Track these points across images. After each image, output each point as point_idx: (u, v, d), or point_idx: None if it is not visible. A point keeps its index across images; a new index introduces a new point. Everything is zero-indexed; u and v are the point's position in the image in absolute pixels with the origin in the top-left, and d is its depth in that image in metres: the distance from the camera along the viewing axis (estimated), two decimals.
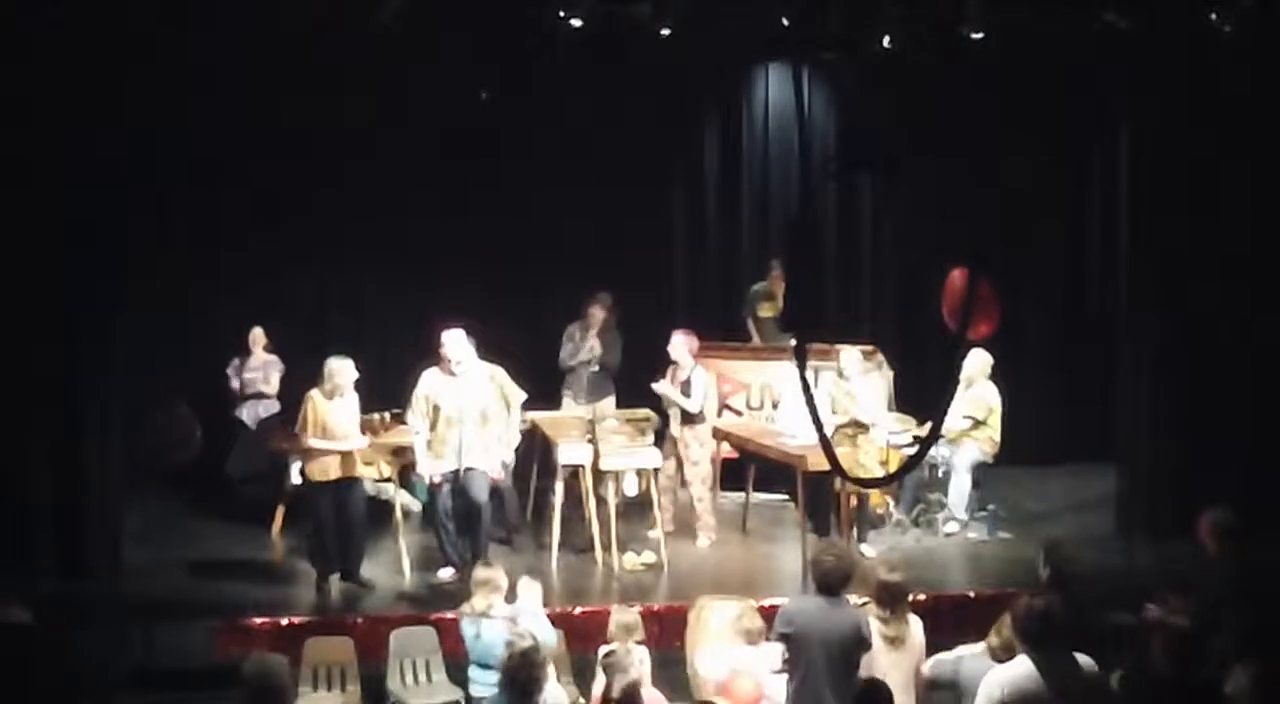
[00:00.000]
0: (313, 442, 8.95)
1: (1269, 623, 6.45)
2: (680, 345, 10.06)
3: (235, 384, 11.01)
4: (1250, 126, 9.90)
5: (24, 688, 5.93)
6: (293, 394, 10.72)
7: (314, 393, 8.99)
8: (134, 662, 7.98)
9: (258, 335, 11.01)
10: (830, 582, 6.38)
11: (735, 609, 7.45)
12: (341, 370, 8.98)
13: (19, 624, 6.14)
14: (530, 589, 7.49)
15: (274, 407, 11.02)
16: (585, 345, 10.78)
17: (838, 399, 9.88)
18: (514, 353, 10.12)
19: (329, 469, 8.98)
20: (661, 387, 10.11)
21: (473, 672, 7.28)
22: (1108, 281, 11.72)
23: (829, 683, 6.22)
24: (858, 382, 9.94)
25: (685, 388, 10.01)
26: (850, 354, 10.10)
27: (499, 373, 9.37)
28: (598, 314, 10.91)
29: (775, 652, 6.55)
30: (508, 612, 7.26)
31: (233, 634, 8.32)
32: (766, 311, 11.89)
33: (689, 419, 10.05)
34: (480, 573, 7.49)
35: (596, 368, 10.89)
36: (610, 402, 10.72)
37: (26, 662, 6.03)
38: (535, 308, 11.77)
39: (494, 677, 7.02)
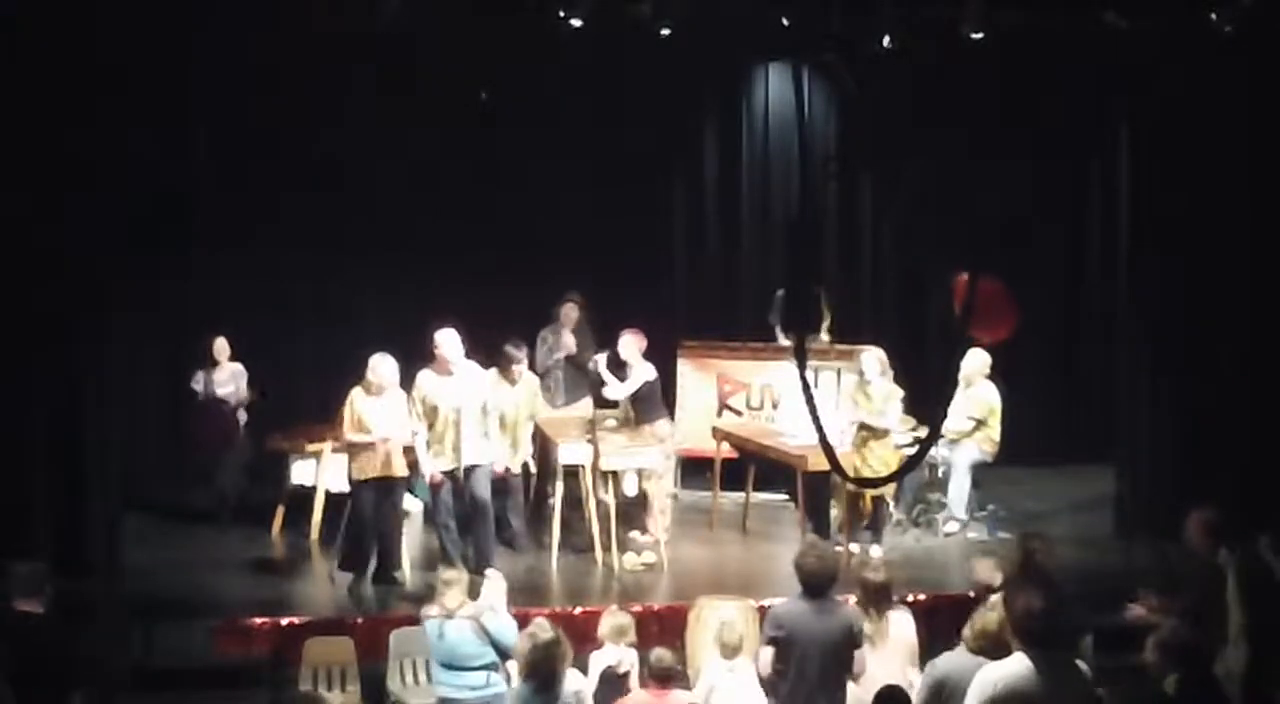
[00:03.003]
0: (349, 436, 8.96)
1: (1259, 621, 6.46)
2: (629, 344, 10.07)
3: (203, 397, 10.56)
4: (1250, 126, 9.90)
5: (34, 676, 5.99)
6: (285, 395, 10.81)
7: (355, 390, 8.99)
8: (134, 661, 7.98)
9: (222, 346, 10.53)
10: (816, 582, 6.39)
11: (730, 612, 7.44)
12: (379, 366, 8.96)
13: (33, 613, 6.18)
14: (496, 585, 7.44)
15: (246, 414, 10.76)
16: (560, 345, 10.77)
17: (860, 401, 9.76)
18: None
19: (367, 468, 8.97)
20: (598, 367, 10.21)
21: (437, 673, 7.25)
22: (1108, 282, 11.72)
23: (821, 684, 6.23)
24: (877, 383, 9.83)
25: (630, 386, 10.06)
26: (871, 355, 9.88)
27: (534, 382, 9.66)
28: (571, 313, 10.91)
29: (760, 659, 6.52)
30: (472, 611, 7.20)
31: (233, 634, 8.33)
32: None
33: (639, 417, 10.08)
34: (448, 573, 7.47)
35: (564, 367, 10.84)
36: (587, 401, 10.69)
37: (38, 651, 6.10)
38: (534, 309, 11.76)
39: (460, 678, 7.12)
